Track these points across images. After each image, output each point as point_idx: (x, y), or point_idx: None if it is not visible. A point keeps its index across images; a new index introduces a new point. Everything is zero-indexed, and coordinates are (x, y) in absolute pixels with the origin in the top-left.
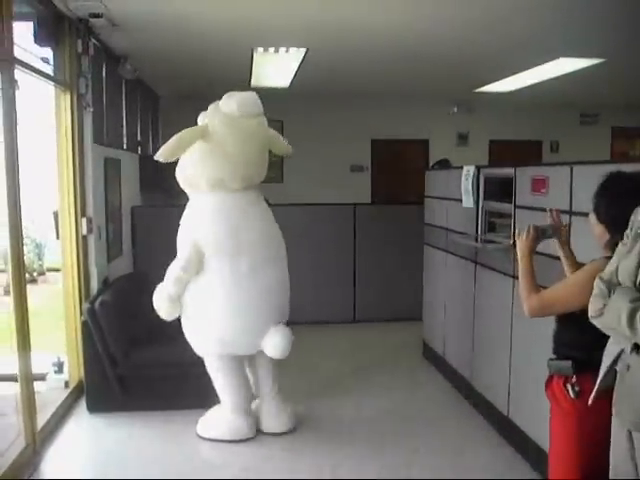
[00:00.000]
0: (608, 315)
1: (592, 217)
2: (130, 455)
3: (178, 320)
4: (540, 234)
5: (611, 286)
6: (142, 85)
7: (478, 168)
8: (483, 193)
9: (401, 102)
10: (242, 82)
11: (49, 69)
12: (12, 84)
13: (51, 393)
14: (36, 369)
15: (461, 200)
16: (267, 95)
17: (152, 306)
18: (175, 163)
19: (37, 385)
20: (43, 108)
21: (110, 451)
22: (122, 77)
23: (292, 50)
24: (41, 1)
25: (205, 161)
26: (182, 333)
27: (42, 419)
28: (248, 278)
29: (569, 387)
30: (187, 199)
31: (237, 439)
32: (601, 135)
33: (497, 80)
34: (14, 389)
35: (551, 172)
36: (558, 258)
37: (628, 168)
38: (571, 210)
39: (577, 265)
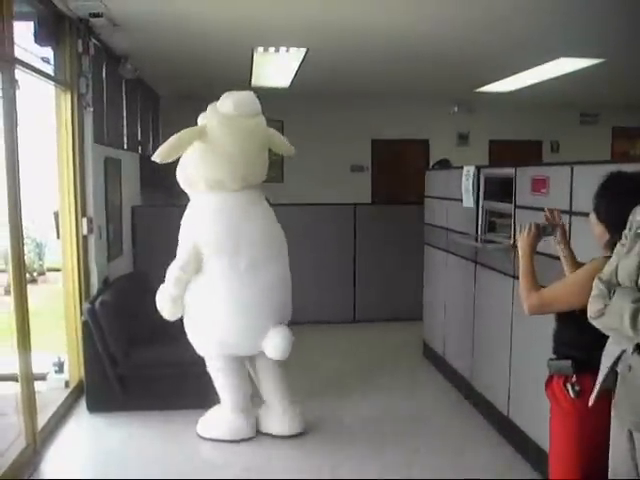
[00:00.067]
0: (610, 316)
1: (592, 217)
2: (130, 455)
3: (179, 320)
4: (541, 231)
5: (611, 287)
6: (142, 85)
7: (478, 168)
8: (483, 193)
9: (401, 102)
10: (242, 82)
11: (49, 69)
12: (12, 84)
13: (51, 393)
14: (36, 369)
15: (461, 200)
16: (267, 95)
17: (152, 306)
18: (175, 163)
19: (37, 385)
20: (44, 108)
21: (110, 451)
22: (122, 77)
23: (292, 50)
24: (41, 1)
25: (204, 161)
26: (183, 333)
27: (42, 419)
28: (248, 277)
29: (569, 387)
30: (188, 199)
31: (237, 439)
32: (601, 135)
33: (498, 80)
34: (15, 389)
35: (551, 172)
36: (558, 258)
37: (629, 168)
38: (571, 210)
39: (577, 264)
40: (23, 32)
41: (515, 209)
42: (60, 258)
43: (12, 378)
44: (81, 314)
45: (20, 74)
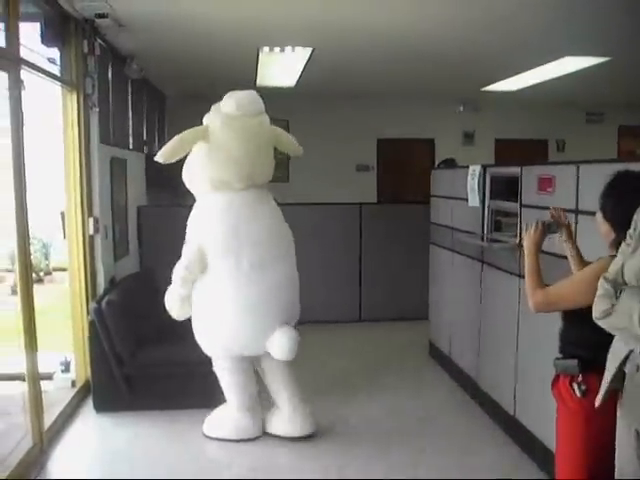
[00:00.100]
0: (618, 315)
1: (599, 215)
2: (137, 454)
3: (186, 319)
4: (546, 229)
5: (617, 286)
6: (148, 85)
7: (484, 167)
8: (489, 192)
9: (407, 101)
10: (248, 82)
11: (56, 69)
12: (18, 84)
13: (58, 392)
14: (43, 369)
15: (467, 199)
16: (273, 95)
17: (159, 305)
18: (181, 163)
19: (44, 384)
20: (50, 108)
21: (117, 450)
22: (128, 77)
23: (298, 49)
24: (47, 2)
25: (209, 162)
26: (189, 332)
27: (49, 418)
28: (254, 277)
29: (575, 386)
30: (193, 199)
31: (243, 438)
32: (607, 134)
33: (503, 79)
34: (21, 388)
35: (557, 171)
36: (564, 257)
37: (635, 167)
38: (577, 209)
39: (584, 263)
40: (29, 33)
41: (521, 208)
42: (66, 258)
43: (19, 378)
44: (87, 314)
45: (27, 74)
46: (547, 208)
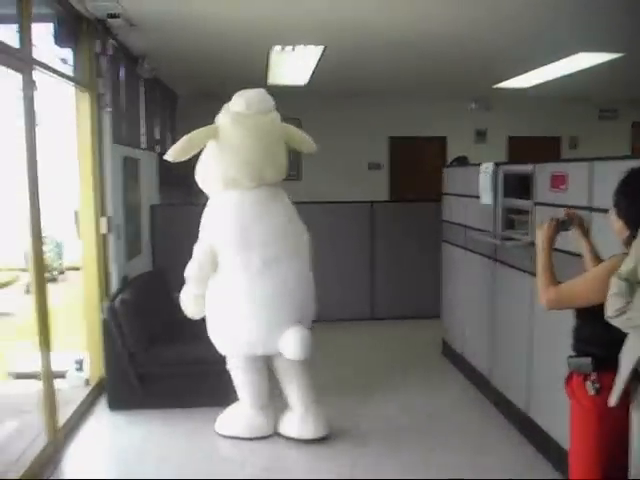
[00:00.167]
0: (635, 312)
1: (612, 213)
2: (150, 452)
3: (200, 318)
4: (559, 226)
5: (631, 284)
6: (160, 84)
7: (497, 165)
8: (502, 190)
9: (418, 99)
10: (259, 80)
11: (68, 69)
12: (31, 85)
13: (72, 391)
14: (57, 367)
15: (479, 197)
16: (284, 93)
17: (171, 303)
18: (193, 161)
19: (58, 383)
20: (64, 108)
21: (130, 448)
22: (140, 76)
23: (310, 48)
24: (60, 2)
25: (220, 160)
26: (203, 330)
27: (63, 417)
28: (266, 275)
29: (589, 384)
30: (206, 197)
31: (256, 436)
32: (621, 130)
33: (515, 76)
34: (36, 387)
35: (570, 168)
36: (577, 255)
37: None
38: (591, 206)
39: (599, 260)
40: (42, 34)
41: (534, 206)
42: (80, 257)
43: (34, 376)
44: (101, 312)
45: (40, 75)
46: (560, 206)
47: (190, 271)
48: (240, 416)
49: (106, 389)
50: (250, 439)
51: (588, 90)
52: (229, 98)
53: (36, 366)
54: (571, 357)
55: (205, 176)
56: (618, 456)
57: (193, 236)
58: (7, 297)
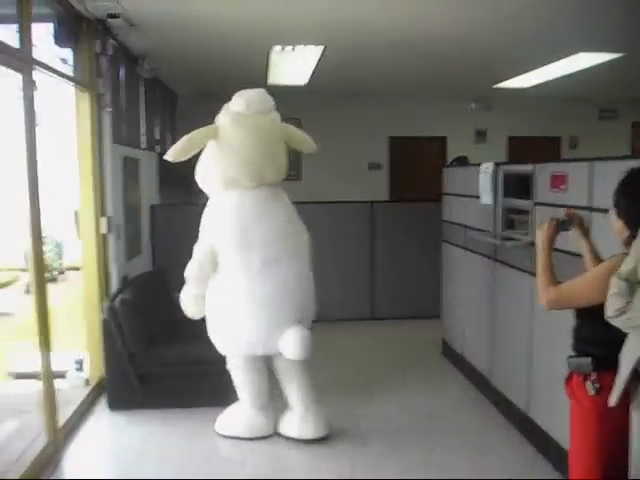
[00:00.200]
0: (635, 312)
1: (612, 212)
2: (150, 452)
3: (200, 318)
4: (559, 226)
5: (631, 284)
6: (160, 84)
7: (497, 165)
8: (502, 190)
9: (418, 99)
10: (259, 80)
11: (68, 69)
12: (31, 85)
13: (72, 391)
14: (57, 367)
15: (479, 197)
16: (284, 93)
17: (172, 303)
18: (193, 161)
19: (58, 383)
20: (64, 108)
21: (130, 448)
22: (140, 76)
23: (310, 48)
24: (60, 2)
25: (220, 160)
26: (202, 330)
27: (63, 416)
28: (265, 275)
29: (589, 384)
30: (206, 197)
31: (256, 436)
32: (621, 130)
33: (515, 76)
34: (36, 387)
35: (570, 168)
36: (577, 255)
37: None
38: (591, 206)
39: (599, 260)
40: (42, 34)
41: (534, 206)
42: (80, 257)
43: (33, 376)
44: (101, 312)
45: (40, 75)
46: (560, 206)
47: (190, 271)
48: (240, 416)
49: (106, 389)
50: (250, 439)
51: (588, 90)
52: (229, 98)
53: (36, 366)
54: (571, 357)
55: (205, 176)
56: (618, 456)
57: (193, 236)
58: (7, 297)
